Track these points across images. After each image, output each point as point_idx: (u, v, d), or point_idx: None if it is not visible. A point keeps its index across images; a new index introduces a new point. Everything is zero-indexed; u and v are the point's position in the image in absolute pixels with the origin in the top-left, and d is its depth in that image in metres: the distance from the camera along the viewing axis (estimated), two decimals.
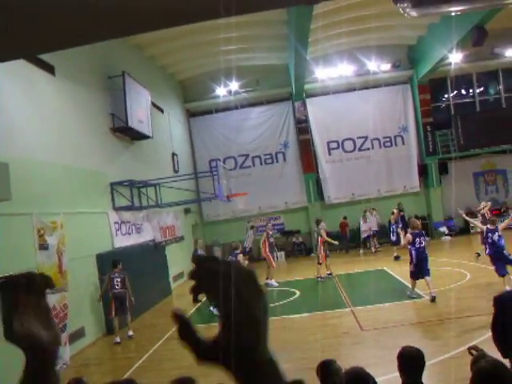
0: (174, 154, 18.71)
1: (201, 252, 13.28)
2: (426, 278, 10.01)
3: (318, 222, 14.94)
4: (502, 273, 9.65)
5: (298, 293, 12.76)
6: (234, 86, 21.00)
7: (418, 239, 10.08)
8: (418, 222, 11.10)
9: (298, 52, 16.03)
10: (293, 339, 8.57)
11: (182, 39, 16.57)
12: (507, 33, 20.10)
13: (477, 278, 11.68)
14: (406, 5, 3.68)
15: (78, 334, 9.55)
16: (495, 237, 9.94)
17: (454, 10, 4.24)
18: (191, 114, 22.49)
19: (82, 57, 11.16)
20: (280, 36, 17.57)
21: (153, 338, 9.91)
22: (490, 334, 7.20)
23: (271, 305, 11.61)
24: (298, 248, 21.39)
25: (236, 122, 22.01)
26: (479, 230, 12.37)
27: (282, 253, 21.04)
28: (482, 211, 13.90)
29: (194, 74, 21.03)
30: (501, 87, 22.68)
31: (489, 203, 14.48)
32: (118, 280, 9.91)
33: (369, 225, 19.32)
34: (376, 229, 19.27)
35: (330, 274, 14.28)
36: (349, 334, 8.42)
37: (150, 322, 11.25)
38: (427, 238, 20.14)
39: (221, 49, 17.62)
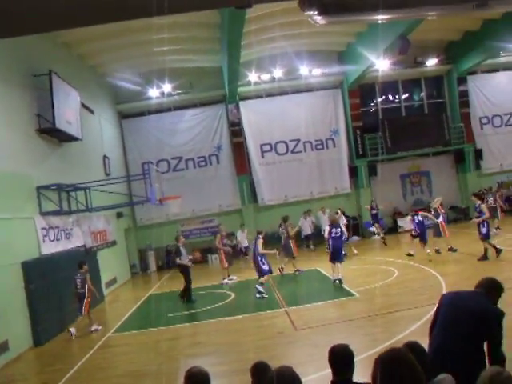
0: (105, 157, 18.16)
1: (183, 249, 12.96)
2: (338, 264, 12.07)
3: (285, 219, 15.46)
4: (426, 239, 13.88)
5: (232, 295, 12.78)
6: (167, 87, 20.72)
7: (334, 230, 12.27)
8: (336, 217, 13.76)
9: (231, 55, 16.12)
10: (228, 342, 8.58)
11: (113, 39, 16.16)
12: (428, 44, 21.40)
13: (404, 274, 12.24)
14: (312, 12, 3.76)
15: (0, 349, 8.99)
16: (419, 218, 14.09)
17: (364, 19, 4.41)
18: (123, 116, 21.96)
19: (2, 53, 10.58)
20: (213, 39, 17.56)
21: (84, 347, 9.55)
22: (415, 326, 7.63)
23: (205, 308, 11.56)
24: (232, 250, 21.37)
25: (169, 125, 21.74)
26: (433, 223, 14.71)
27: (217, 255, 20.94)
28: (434, 206, 14.91)
29: (126, 74, 20.52)
30: (423, 94, 23.99)
31: (440, 198, 15.56)
32: (79, 280, 10.74)
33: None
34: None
35: (282, 269, 14.72)
36: (283, 333, 8.52)
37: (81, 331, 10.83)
38: (358, 238, 21.13)
39: (153, 50, 17.38)
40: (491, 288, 4.07)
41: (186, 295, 12.66)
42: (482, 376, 2.33)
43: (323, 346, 3.63)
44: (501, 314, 3.82)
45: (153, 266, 21.17)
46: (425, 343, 6.66)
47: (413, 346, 3.27)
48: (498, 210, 17.69)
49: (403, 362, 2.21)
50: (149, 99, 21.17)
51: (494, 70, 23.76)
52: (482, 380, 2.30)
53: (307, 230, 20.33)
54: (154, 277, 19.80)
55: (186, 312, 11.51)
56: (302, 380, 3.16)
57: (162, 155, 21.67)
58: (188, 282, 12.68)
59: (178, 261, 12.87)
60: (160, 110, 21.65)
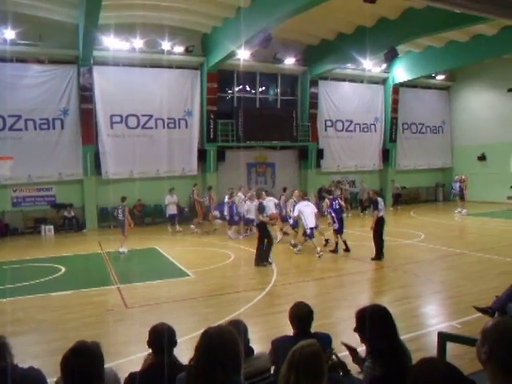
0: None
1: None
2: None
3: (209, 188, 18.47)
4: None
5: (63, 269, 11.99)
6: (11, 34, 18.13)
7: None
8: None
9: (90, 13, 14.92)
10: (50, 319, 8.00)
11: None
12: (288, 43, 22.42)
13: (239, 258, 12.70)
14: None
15: None
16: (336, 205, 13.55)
17: None
18: None
19: None
20: None
21: None
22: (245, 308, 7.96)
23: (30, 282, 10.65)
24: (69, 223, 20.06)
25: (9, 77, 19.17)
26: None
27: (51, 227, 19.51)
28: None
29: None
30: (278, 90, 25.11)
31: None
32: (120, 210, 14.28)
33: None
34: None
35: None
36: (112, 311, 8.23)
37: None
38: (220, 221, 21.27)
39: None
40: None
41: (264, 256, 11.75)
42: (291, 349, 2.48)
43: (152, 324, 3.55)
44: None
45: None
46: (253, 324, 7.03)
47: (237, 324, 3.38)
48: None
49: (227, 334, 2.26)
50: None
51: (341, 79, 26.00)
52: (291, 353, 2.45)
53: (173, 208, 18.98)
54: None
55: (8, 286, 10.42)
56: (125, 360, 3.05)
57: None
58: (266, 241, 11.82)
59: (261, 218, 11.96)
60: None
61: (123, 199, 14.50)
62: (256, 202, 14.00)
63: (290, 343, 2.65)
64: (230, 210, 17.04)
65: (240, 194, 17.73)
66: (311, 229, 12.92)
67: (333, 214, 13.33)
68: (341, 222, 13.32)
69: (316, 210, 13.42)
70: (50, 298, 9.32)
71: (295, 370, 2.36)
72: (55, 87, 20.05)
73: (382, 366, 2.81)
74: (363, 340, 3.00)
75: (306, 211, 12.96)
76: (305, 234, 13.31)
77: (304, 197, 13.71)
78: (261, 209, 12.17)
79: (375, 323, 2.88)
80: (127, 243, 14.13)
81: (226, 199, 17.30)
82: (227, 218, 17.30)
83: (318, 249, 12.73)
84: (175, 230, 18.54)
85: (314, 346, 2.47)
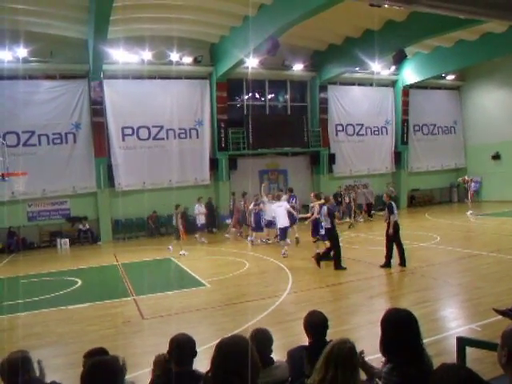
0: None
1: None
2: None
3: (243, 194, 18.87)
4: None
5: (79, 282, 12.08)
6: (23, 52, 18.51)
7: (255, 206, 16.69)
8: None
9: (99, 28, 15.18)
10: (69, 331, 8.04)
11: None
12: (296, 49, 22.46)
13: (254, 266, 12.69)
14: None
15: None
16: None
17: None
18: None
19: None
20: (80, 7, 16.37)
21: None
22: (262, 316, 7.92)
23: (47, 296, 10.73)
24: (84, 235, 20.23)
25: (22, 94, 19.49)
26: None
27: (67, 240, 19.68)
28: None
29: None
30: (288, 96, 25.12)
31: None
32: (174, 217, 15.80)
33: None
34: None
35: None
36: (129, 323, 8.25)
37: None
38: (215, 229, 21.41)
39: (6, 5, 15.42)
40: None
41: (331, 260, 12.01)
42: (329, 345, 2.60)
43: (170, 335, 3.56)
44: None
45: None
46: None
47: (259, 333, 3.38)
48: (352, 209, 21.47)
49: (240, 346, 2.26)
50: None
51: (350, 83, 25.94)
52: (328, 349, 2.56)
53: (203, 218, 18.55)
54: None
55: (26, 300, 10.51)
56: (144, 371, 3.06)
57: (12, 127, 19.44)
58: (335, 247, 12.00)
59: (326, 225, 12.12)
60: (12, 76, 19.26)
61: (176, 207, 15.71)
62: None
63: (307, 353, 2.64)
64: (256, 216, 16.96)
65: (265, 199, 17.36)
66: (282, 229, 13.96)
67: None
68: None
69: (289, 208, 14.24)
70: (68, 311, 9.38)
71: (333, 363, 2.46)
72: (67, 102, 20.33)
73: (401, 373, 2.78)
74: (382, 344, 2.95)
75: (278, 212, 13.86)
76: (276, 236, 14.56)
77: (275, 198, 15.04)
78: (331, 213, 12.02)
79: (395, 328, 2.85)
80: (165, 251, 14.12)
81: (252, 206, 17.16)
82: (252, 224, 17.19)
83: (283, 250, 13.75)
84: (202, 241, 18.21)
85: (350, 344, 2.57)
